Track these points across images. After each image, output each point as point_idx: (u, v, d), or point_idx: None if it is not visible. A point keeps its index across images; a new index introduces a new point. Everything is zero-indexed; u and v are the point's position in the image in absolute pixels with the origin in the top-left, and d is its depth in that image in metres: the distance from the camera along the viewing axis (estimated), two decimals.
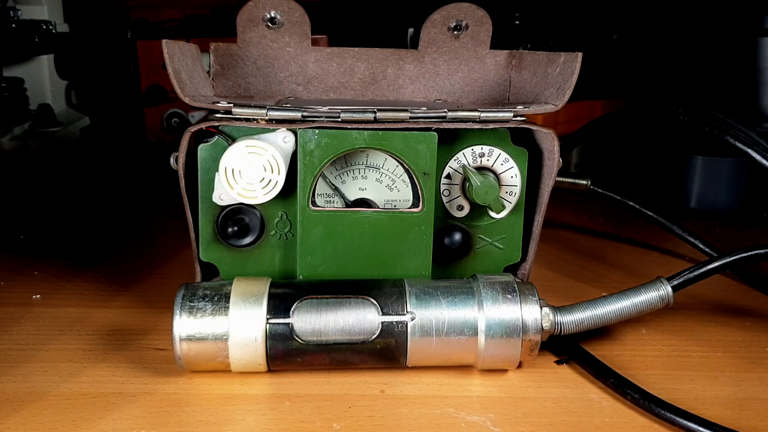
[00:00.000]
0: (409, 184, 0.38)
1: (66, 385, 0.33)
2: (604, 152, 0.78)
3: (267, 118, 0.35)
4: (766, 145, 0.42)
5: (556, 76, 0.38)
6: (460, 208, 0.39)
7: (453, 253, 0.39)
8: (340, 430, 0.30)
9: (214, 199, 0.37)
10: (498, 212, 0.38)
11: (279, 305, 0.33)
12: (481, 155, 0.38)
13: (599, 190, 0.53)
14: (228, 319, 0.32)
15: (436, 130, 0.36)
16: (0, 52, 0.68)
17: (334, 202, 0.38)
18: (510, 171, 0.38)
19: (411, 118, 0.36)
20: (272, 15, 0.43)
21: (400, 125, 0.36)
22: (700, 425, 0.30)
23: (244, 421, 0.31)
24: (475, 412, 0.32)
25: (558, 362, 0.37)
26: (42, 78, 0.79)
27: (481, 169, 0.38)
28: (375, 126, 0.35)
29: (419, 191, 0.36)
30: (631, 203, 0.53)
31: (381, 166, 0.38)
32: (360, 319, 0.33)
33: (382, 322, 0.33)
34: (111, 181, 0.72)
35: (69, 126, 0.77)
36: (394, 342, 0.33)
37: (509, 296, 0.34)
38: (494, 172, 0.38)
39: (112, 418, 0.31)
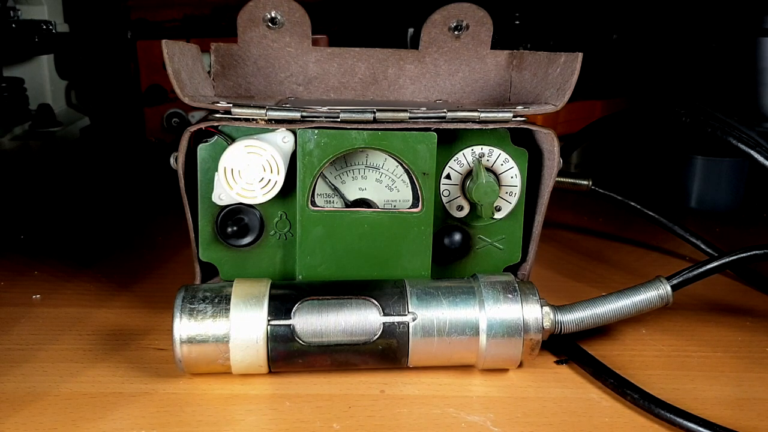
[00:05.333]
0: (409, 185, 0.38)
1: (66, 385, 0.33)
2: (604, 152, 0.78)
3: (266, 118, 0.35)
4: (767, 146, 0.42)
5: (556, 77, 0.38)
6: (460, 208, 0.39)
7: (453, 254, 0.39)
8: (340, 430, 0.30)
9: (213, 199, 0.37)
10: (486, 218, 0.38)
11: (280, 307, 0.33)
12: (481, 155, 0.38)
13: (600, 191, 0.53)
14: (229, 321, 0.32)
15: (436, 130, 0.36)
16: (0, 52, 0.68)
17: (333, 202, 0.38)
18: (510, 171, 0.38)
19: (410, 118, 0.36)
20: (273, 15, 0.43)
21: (399, 125, 0.36)
22: (700, 425, 0.30)
23: (244, 421, 0.31)
24: (475, 412, 0.32)
25: (558, 362, 0.37)
26: (42, 78, 0.79)
27: None
28: (374, 126, 0.35)
29: (419, 191, 0.36)
30: (632, 203, 0.53)
31: (381, 166, 0.38)
32: (361, 319, 0.33)
33: (384, 323, 0.33)
34: (111, 181, 0.72)
35: (69, 126, 0.77)
36: (396, 342, 0.33)
37: (510, 296, 0.34)
38: (494, 173, 0.38)
39: (112, 418, 0.31)
